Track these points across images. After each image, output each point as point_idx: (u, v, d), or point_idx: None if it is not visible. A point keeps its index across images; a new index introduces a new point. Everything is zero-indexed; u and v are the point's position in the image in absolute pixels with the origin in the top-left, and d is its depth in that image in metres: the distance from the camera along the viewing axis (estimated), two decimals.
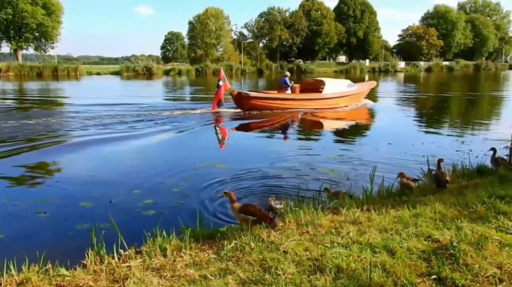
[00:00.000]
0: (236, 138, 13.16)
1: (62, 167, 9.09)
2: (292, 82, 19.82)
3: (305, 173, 8.03)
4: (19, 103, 23.83)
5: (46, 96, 29.09)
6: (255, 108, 18.04)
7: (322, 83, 20.13)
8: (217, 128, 14.80)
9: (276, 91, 19.93)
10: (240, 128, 14.82)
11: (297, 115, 17.62)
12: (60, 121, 15.45)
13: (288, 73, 20.51)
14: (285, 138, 13.21)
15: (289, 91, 19.34)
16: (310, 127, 15.68)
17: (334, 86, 19.67)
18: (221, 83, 17.50)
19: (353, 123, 16.95)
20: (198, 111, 17.94)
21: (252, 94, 18.53)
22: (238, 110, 18.34)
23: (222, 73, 18.09)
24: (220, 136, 13.58)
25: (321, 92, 19.43)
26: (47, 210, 6.15)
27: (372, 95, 24.44)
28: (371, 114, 19.25)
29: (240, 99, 18.32)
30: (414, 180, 5.79)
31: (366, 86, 21.95)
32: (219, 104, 17.81)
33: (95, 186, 7.31)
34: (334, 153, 10.09)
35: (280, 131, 14.49)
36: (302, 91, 20.12)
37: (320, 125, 16.48)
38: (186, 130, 13.46)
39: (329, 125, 16.09)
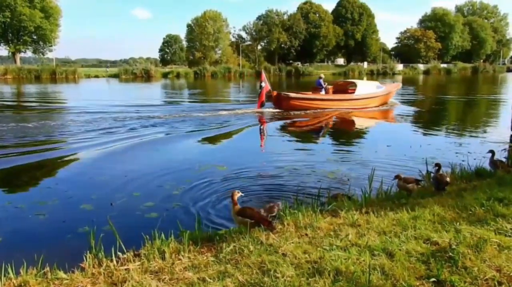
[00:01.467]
0: (240, 140, 13.10)
1: (65, 170, 9.02)
2: (326, 83, 20.97)
3: (304, 175, 8.04)
4: (17, 106, 23.81)
5: (53, 99, 29.07)
6: (293, 108, 19.00)
7: (352, 84, 21.41)
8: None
9: (310, 92, 20.96)
10: (245, 129, 14.81)
11: (334, 115, 18.49)
12: (74, 124, 15.45)
13: (322, 75, 21.84)
14: (299, 139, 13.22)
15: (323, 92, 20.48)
16: (343, 128, 15.87)
17: (365, 87, 20.75)
18: (263, 84, 18.96)
19: (381, 123, 17.27)
20: (241, 111, 19.16)
21: (292, 95, 19.56)
22: (277, 110, 19.28)
23: (264, 75, 19.49)
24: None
25: (350, 93, 20.64)
26: (46, 212, 6.14)
27: None
28: (393, 114, 19.95)
29: (279, 100, 19.35)
30: (416, 181, 5.78)
31: (393, 87, 22.97)
32: (262, 104, 19.20)
33: (95, 189, 7.32)
34: (333, 155, 10.11)
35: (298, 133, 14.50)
36: (334, 92, 21.04)
37: (351, 125, 17.00)
38: (205, 129, 13.47)
39: (340, 127, 16.19)
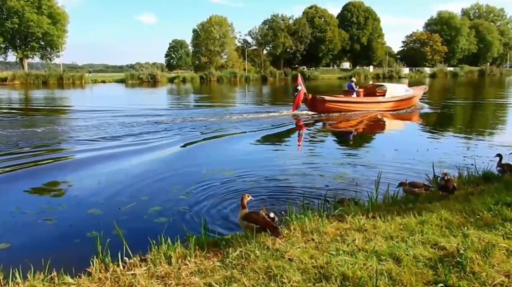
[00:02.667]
0: (250, 146, 13.09)
1: (73, 174, 8.98)
2: (357, 87, 21.71)
3: (311, 179, 8.04)
4: (25, 111, 23.99)
5: (60, 104, 29.28)
6: (328, 110, 19.71)
7: (381, 87, 22.32)
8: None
9: (342, 95, 21.63)
10: (255, 136, 14.81)
11: (368, 116, 19.18)
12: (82, 129, 15.56)
13: (354, 79, 22.78)
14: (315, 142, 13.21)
15: (354, 95, 21.11)
16: (360, 131, 15.76)
17: (395, 90, 21.37)
18: (299, 88, 19.56)
19: (393, 125, 17.46)
20: (277, 113, 20.04)
21: (327, 98, 20.28)
22: (311, 112, 20.02)
23: (300, 79, 20.24)
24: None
25: (378, 95, 21.45)
26: (54, 217, 6.17)
27: None
28: (418, 117, 20.51)
29: (314, 103, 19.99)
30: (425, 186, 5.75)
31: (420, 90, 23.49)
32: (297, 107, 19.92)
33: (102, 193, 7.35)
34: (342, 158, 10.11)
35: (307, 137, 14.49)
36: (364, 95, 21.63)
37: (380, 127, 17.48)
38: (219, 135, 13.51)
39: (346, 130, 16.15)
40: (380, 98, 21.01)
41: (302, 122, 17.94)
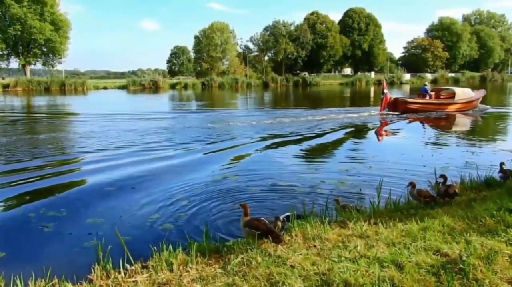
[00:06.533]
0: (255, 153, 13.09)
1: (74, 182, 8.97)
2: (429, 90, 24.82)
3: (312, 184, 8.03)
4: (27, 118, 24.06)
5: (61, 111, 29.36)
6: (408, 111, 22.26)
7: (447, 90, 25.28)
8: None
9: (417, 97, 24.57)
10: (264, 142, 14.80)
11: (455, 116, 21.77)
12: (82, 136, 15.56)
13: (427, 83, 26.20)
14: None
15: (427, 97, 24.04)
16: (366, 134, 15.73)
17: (463, 93, 23.81)
18: (385, 91, 22.75)
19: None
20: (366, 114, 23.01)
21: (409, 99, 23.53)
22: (391, 112, 22.62)
23: (385, 83, 24.26)
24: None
25: (444, 98, 24.22)
26: (55, 224, 6.16)
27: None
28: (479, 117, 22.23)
29: (396, 104, 22.78)
30: (431, 197, 5.75)
31: (481, 93, 25.78)
32: (385, 108, 22.71)
33: (104, 200, 7.33)
34: (344, 164, 10.09)
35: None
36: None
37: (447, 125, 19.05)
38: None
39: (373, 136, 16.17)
40: (455, 100, 23.29)
41: (389, 121, 20.09)
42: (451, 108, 23.26)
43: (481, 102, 25.70)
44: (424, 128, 18.71)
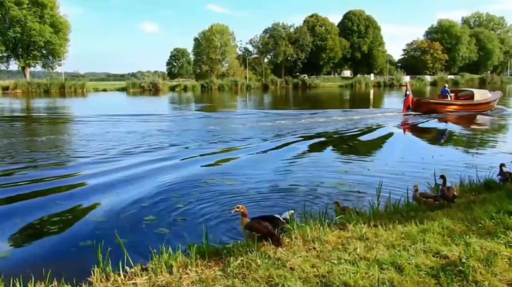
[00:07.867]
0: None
1: (74, 184, 8.96)
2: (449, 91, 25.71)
3: (312, 186, 8.04)
4: (27, 120, 24.06)
5: (61, 113, 29.34)
6: (430, 111, 23.30)
7: (465, 91, 26.29)
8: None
9: (438, 98, 25.75)
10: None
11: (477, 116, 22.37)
12: (83, 139, 15.56)
13: (447, 85, 26.76)
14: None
15: (448, 99, 25.00)
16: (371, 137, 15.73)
17: (482, 95, 24.82)
18: (408, 92, 23.86)
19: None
20: (391, 114, 24.52)
21: (432, 100, 24.90)
22: (412, 112, 23.53)
23: (408, 85, 25.26)
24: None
25: (462, 99, 25.04)
26: (54, 227, 6.16)
27: None
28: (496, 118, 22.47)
29: (419, 105, 23.82)
30: (434, 198, 5.76)
31: (498, 95, 26.86)
32: (408, 108, 23.77)
33: (103, 203, 7.33)
34: (344, 166, 10.09)
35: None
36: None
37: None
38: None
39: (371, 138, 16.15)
40: (475, 101, 24.20)
41: (409, 122, 20.91)
42: (471, 109, 24.15)
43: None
44: (439, 129, 18.97)
